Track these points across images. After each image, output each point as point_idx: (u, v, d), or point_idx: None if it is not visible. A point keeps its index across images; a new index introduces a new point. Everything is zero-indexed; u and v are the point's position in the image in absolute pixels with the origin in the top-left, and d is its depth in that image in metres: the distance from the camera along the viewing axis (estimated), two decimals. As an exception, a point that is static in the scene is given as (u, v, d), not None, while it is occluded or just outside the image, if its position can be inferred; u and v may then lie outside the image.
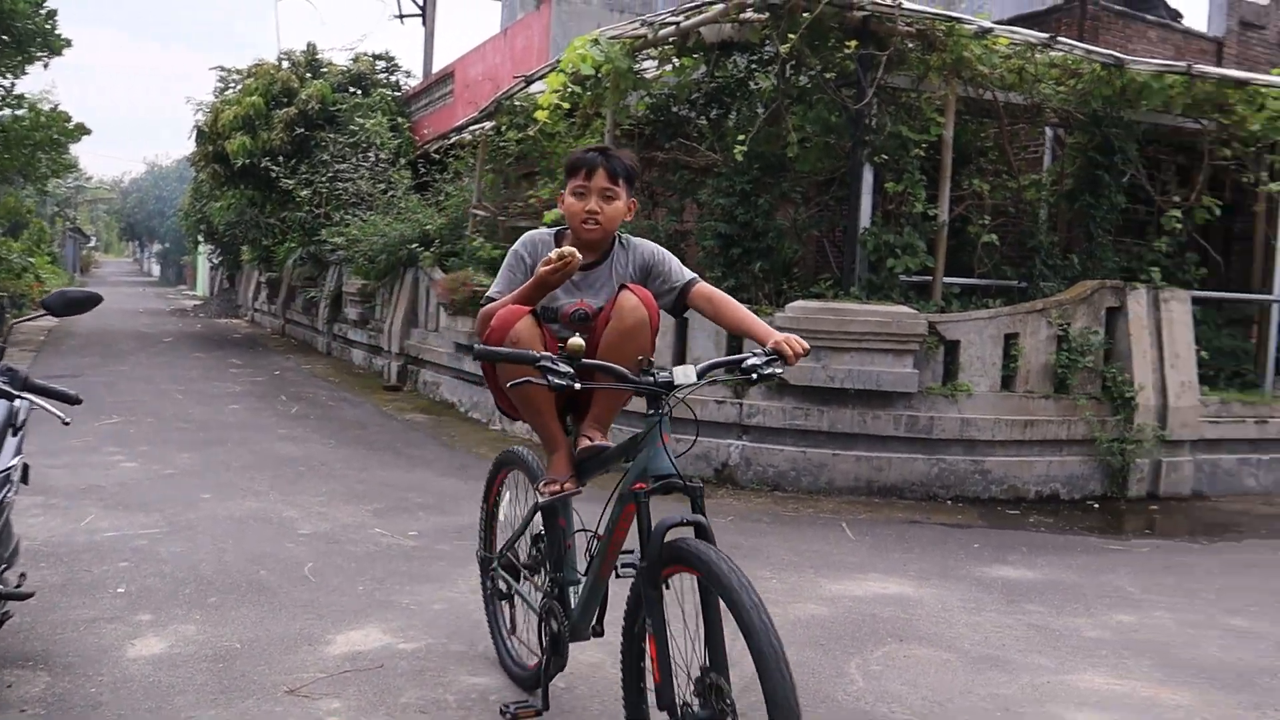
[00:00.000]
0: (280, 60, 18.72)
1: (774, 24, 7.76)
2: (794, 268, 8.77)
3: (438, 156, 15.15)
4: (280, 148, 16.98)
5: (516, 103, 10.91)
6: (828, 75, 8.11)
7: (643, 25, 8.52)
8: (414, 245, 12.76)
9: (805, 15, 7.44)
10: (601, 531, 3.01)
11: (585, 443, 3.17)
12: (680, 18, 8.32)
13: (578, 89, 8.85)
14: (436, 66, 20.12)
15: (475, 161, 12.58)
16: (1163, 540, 6.66)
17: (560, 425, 3.25)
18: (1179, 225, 8.57)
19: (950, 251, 8.22)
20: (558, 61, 8.76)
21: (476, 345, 3.04)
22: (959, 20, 7.64)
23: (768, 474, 7.36)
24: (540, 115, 8.89)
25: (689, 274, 3.24)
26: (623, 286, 3.10)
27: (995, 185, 8.76)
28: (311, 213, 16.59)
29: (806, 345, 2.84)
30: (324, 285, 17.30)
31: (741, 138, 7.70)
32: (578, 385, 2.65)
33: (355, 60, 19.04)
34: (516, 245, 3.26)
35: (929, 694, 3.80)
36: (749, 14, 8.04)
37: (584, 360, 2.73)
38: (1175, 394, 7.84)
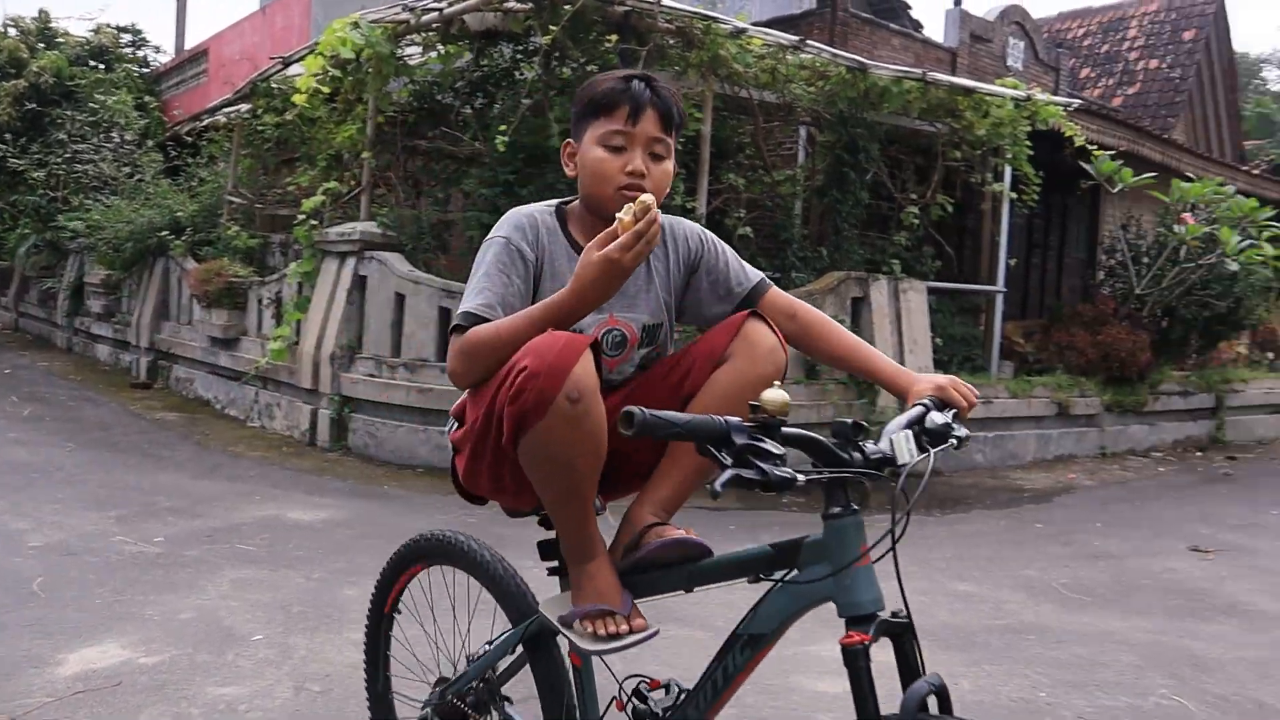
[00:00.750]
0: (5, 27, 17.20)
1: (537, 15, 7.78)
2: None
3: (190, 139, 14.33)
4: (8, 124, 15.63)
5: (274, 85, 10.47)
6: (591, 68, 8.20)
7: (405, 10, 8.34)
8: (164, 233, 12.01)
9: (567, 8, 7.50)
10: (706, 698, 1.96)
11: (665, 535, 2.00)
12: (443, 4, 8.20)
13: (338, 73, 8.60)
14: (190, 43, 19.04)
15: (231, 145, 11.99)
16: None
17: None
18: (916, 221, 9.21)
19: (709, 244, 8.47)
20: (316, 43, 8.47)
21: (628, 415, 1.56)
22: (716, 20, 7.90)
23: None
24: (298, 99, 8.57)
25: (756, 273, 2.22)
26: (751, 313, 2.05)
27: (751, 180, 9.12)
28: (47, 196, 15.35)
29: (975, 391, 1.98)
30: (63, 276, 16.05)
31: (503, 128, 7.68)
32: (800, 481, 1.59)
33: (96, 31, 17.80)
34: (504, 232, 2.04)
35: (683, 672, 3.91)
36: (512, 3, 8.03)
37: (788, 429, 1.65)
38: (913, 378, 8.42)
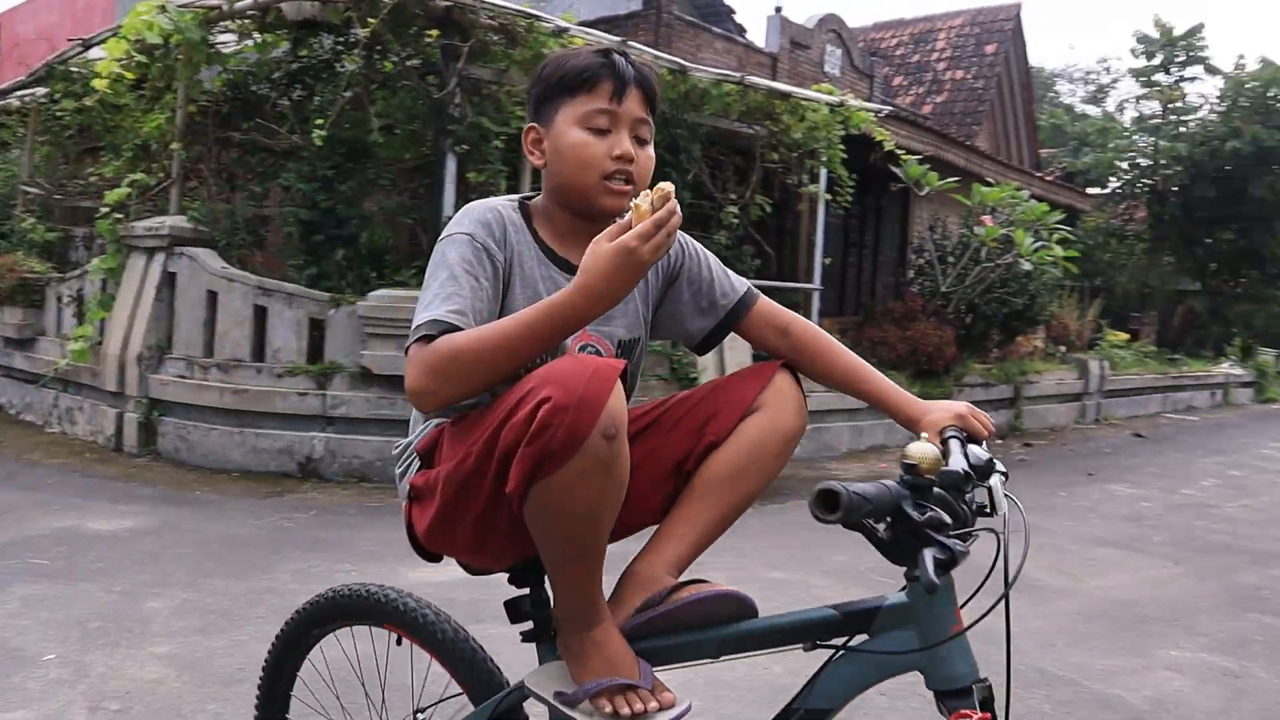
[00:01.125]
0: None
1: (356, 6, 7.62)
2: (387, 256, 8.70)
3: (-22, 124, 13.37)
4: None
5: (73, 69, 9.89)
6: (412, 63, 8.10)
7: (218, -5, 8.04)
8: (-53, 225, 11.20)
9: (387, 0, 7.38)
10: None
11: (710, 589, 1.73)
12: (259, -9, 7.95)
13: (144, 59, 8.20)
14: (-23, 20, 17.75)
15: (25, 132, 11.26)
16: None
17: None
18: (736, 220, 9.47)
19: (534, 241, 8.50)
20: (120, 26, 8.06)
21: (834, 497, 1.43)
22: (539, 18, 7.92)
23: (354, 465, 7.25)
24: (99, 84, 8.13)
25: (743, 282, 2.00)
26: (782, 365, 1.87)
27: (576, 178, 9.19)
28: None
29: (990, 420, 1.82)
30: None
31: (320, 121, 7.50)
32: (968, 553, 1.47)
33: None
34: (467, 228, 1.73)
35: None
36: (331, -7, 7.85)
37: (938, 490, 1.50)
38: (733, 372, 8.65)
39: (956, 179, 10.51)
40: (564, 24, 8.10)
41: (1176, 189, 22.48)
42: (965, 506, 1.52)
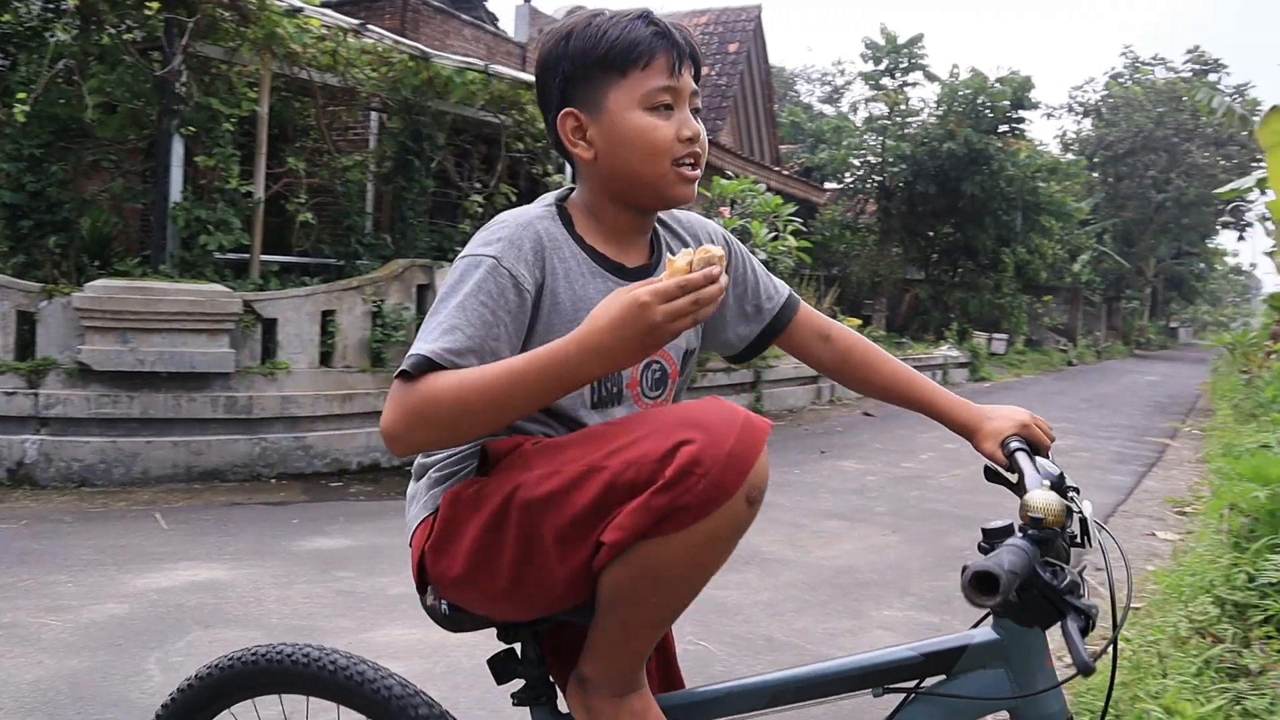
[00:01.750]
0: None
1: (64, -30, 7.08)
2: (113, 244, 8.13)
3: None
4: None
5: None
6: (130, 36, 7.59)
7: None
8: None
9: (97, -35, 6.89)
10: None
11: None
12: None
13: None
14: None
15: None
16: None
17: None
18: (481, 210, 9.44)
19: (271, 229, 8.20)
20: None
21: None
22: (271, -6, 7.61)
23: (73, 469, 6.75)
24: None
25: (784, 286, 1.78)
26: (747, 420, 1.33)
27: (317, 164, 8.91)
28: None
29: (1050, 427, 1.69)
30: None
31: (23, 95, 6.91)
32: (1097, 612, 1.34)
33: None
34: (494, 250, 1.44)
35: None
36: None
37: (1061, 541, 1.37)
38: (481, 363, 8.65)
39: (698, 172, 10.90)
40: (297, 3, 7.81)
41: (902, 185, 24.20)
42: (1065, 543, 1.37)
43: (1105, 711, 1.54)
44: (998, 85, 23.63)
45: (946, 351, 20.18)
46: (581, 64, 1.48)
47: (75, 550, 5.33)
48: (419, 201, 9.16)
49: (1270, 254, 14.74)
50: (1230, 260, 64.57)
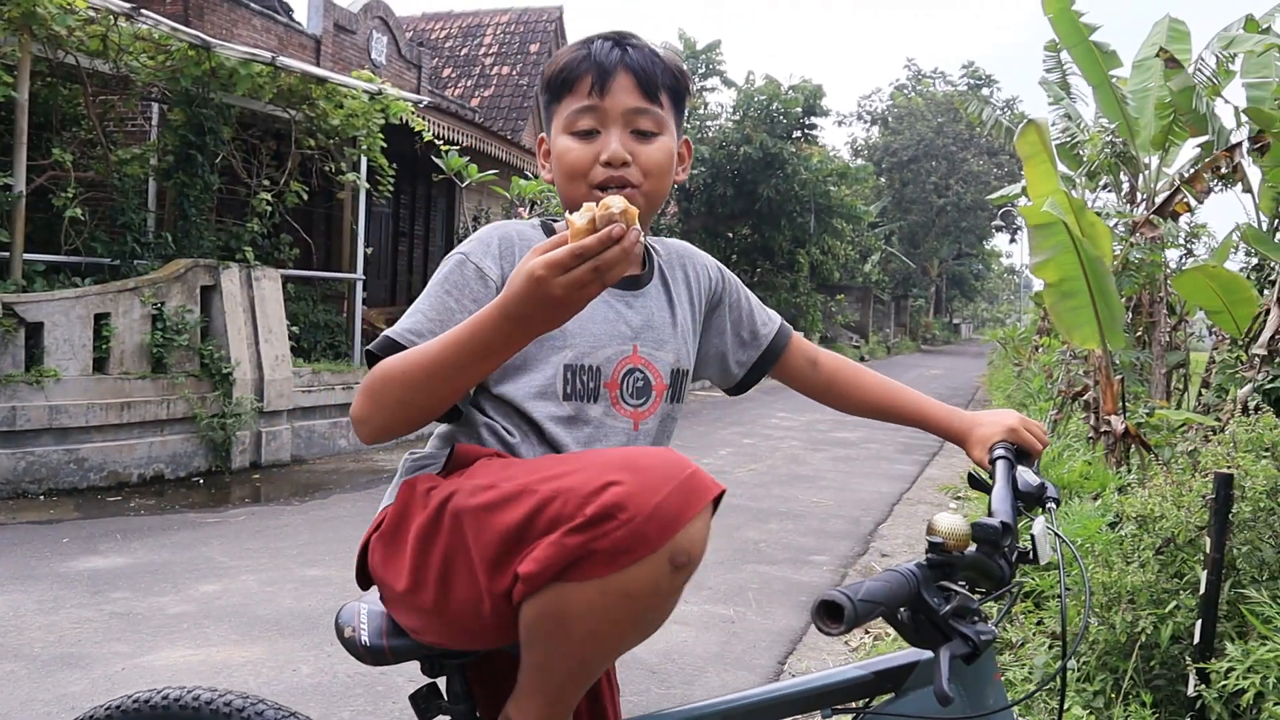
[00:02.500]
0: None
1: None
2: None
3: None
4: None
5: None
6: None
7: None
8: None
9: None
10: None
11: None
12: None
13: None
14: None
15: None
16: (260, 507, 7.03)
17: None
18: (269, 208, 9.07)
19: (35, 226, 7.63)
20: None
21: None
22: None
23: None
24: None
25: (776, 315, 1.76)
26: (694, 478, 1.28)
27: (89, 157, 8.33)
28: None
29: (1044, 429, 1.68)
30: None
31: None
32: (994, 634, 1.32)
33: None
34: (465, 248, 1.49)
35: (-20, 711, 3.50)
36: None
37: (965, 562, 1.34)
38: (271, 367, 8.32)
39: (495, 171, 10.81)
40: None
41: (702, 187, 24.76)
42: (1004, 561, 1.33)
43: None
44: (791, 93, 24.53)
45: (746, 349, 20.75)
46: (541, 91, 1.56)
47: None
48: (203, 198, 8.69)
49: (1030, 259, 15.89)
50: (1005, 261, 69.29)
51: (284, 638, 4.30)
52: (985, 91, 42.58)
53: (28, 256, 7.44)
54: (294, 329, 8.88)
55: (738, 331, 1.69)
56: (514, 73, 20.89)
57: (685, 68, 1.56)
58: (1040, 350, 13.69)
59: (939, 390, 20.11)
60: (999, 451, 1.54)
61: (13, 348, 6.75)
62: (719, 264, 1.70)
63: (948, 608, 1.26)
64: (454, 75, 21.31)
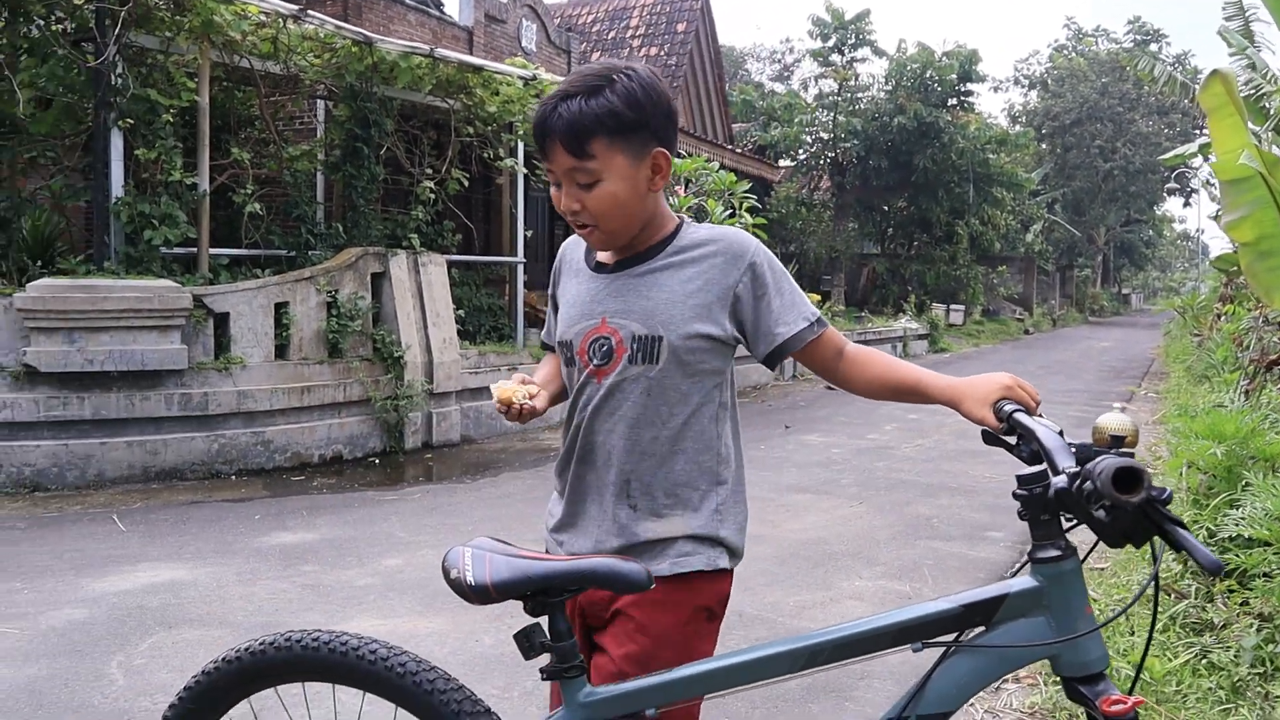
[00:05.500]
0: None
1: (-12, -38, 6.85)
2: (56, 242, 7.92)
3: None
4: None
5: None
6: (59, 27, 7.37)
7: None
8: None
9: (24, -42, 6.68)
10: None
11: None
12: None
13: None
14: None
15: None
16: (433, 485, 7.24)
17: None
18: (432, 195, 9.31)
19: (218, 222, 8.04)
20: None
21: None
22: (207, -18, 7.41)
23: (25, 474, 6.57)
24: None
25: (804, 318, 1.85)
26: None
27: (263, 155, 8.73)
28: None
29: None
30: None
31: (-49, 93, 6.71)
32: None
33: None
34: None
35: (190, 674, 3.70)
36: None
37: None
38: (439, 350, 8.56)
39: (650, 151, 10.82)
40: (236, -11, 7.62)
41: (855, 160, 24.27)
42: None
43: (1146, 653, 1.52)
44: (945, 59, 23.75)
45: (906, 324, 20.30)
46: None
47: (31, 556, 5.19)
48: (369, 189, 9.00)
49: (1215, 217, 14.97)
50: (1177, 226, 65.64)
51: (465, 610, 4.39)
52: (1154, 47, 40.29)
53: (213, 251, 7.86)
54: (459, 312, 9.10)
55: (755, 327, 1.82)
56: (661, 53, 20.87)
57: (637, 91, 1.70)
58: (1223, 319, 12.88)
59: (1113, 362, 19.21)
60: (1010, 406, 1.61)
61: (203, 337, 7.14)
62: (756, 256, 1.83)
63: (1164, 495, 1.29)
64: (602, 58, 21.45)
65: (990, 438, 1.64)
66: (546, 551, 1.85)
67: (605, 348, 1.79)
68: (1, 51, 7.20)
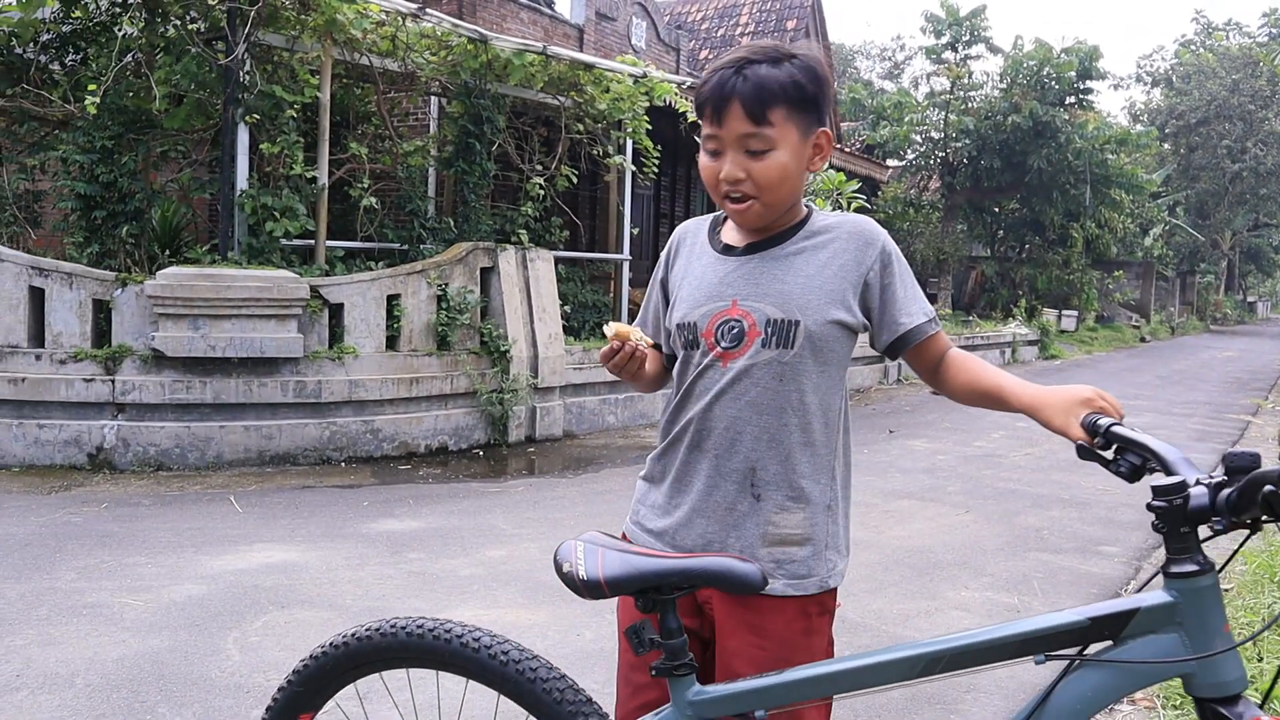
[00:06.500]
0: None
1: (130, -35, 7.16)
2: (183, 232, 8.26)
3: None
4: None
5: None
6: (194, 27, 7.67)
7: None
8: None
9: (162, -40, 6.96)
10: None
11: None
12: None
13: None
14: None
15: None
16: (536, 479, 7.34)
17: None
18: (542, 192, 9.43)
19: (334, 215, 8.26)
20: None
21: None
22: (331, -19, 7.63)
23: (150, 454, 6.87)
24: None
25: (924, 311, 1.85)
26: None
27: (379, 150, 8.95)
28: None
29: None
30: None
31: (93, 88, 7.02)
32: None
33: None
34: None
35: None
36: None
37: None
38: (545, 345, 8.66)
39: (760, 149, 10.76)
40: (358, -12, 7.82)
41: (966, 160, 23.74)
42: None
43: (1276, 678, 1.42)
44: (1063, 56, 23.04)
45: (1015, 329, 19.81)
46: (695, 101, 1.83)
47: (154, 533, 5.42)
48: (480, 185, 9.16)
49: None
50: (1310, 231, 62.55)
51: (566, 604, 4.44)
52: (1290, 42, 38.49)
53: (329, 243, 8.09)
54: (564, 308, 9.20)
55: (884, 313, 1.81)
56: (771, 51, 20.73)
57: (816, 68, 1.73)
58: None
59: (1237, 373, 18.43)
60: (1104, 420, 1.56)
61: (319, 327, 7.35)
62: (885, 244, 1.83)
63: None
64: (711, 56, 21.40)
65: (1085, 453, 1.58)
66: (624, 537, 1.83)
67: (736, 330, 1.76)
68: (140, 50, 7.52)
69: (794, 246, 1.78)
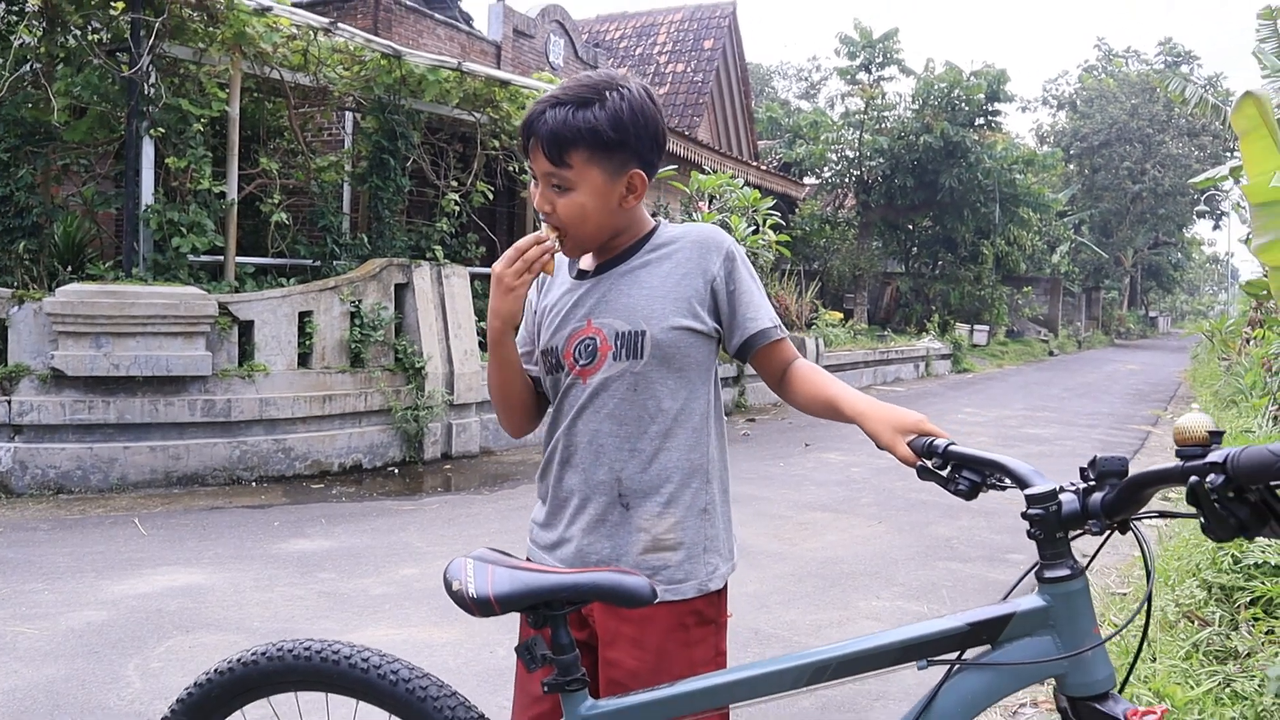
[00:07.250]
0: None
1: (27, -28, 6.97)
2: (87, 248, 8.02)
3: None
4: None
5: None
6: (95, 37, 7.48)
7: None
8: None
9: (61, -33, 6.78)
10: None
11: None
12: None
13: None
14: None
15: None
16: (452, 496, 7.27)
17: None
18: (458, 208, 9.38)
19: (245, 231, 8.11)
20: None
21: None
22: (238, -7, 7.51)
23: (49, 476, 6.65)
24: None
25: (767, 319, 1.89)
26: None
27: (291, 165, 8.81)
28: None
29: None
30: None
31: (-13, 100, 6.82)
32: None
33: None
34: None
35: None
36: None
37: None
38: (460, 361, 8.61)
39: (674, 167, 10.87)
40: (266, 2, 7.70)
41: (880, 179, 24.22)
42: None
43: (1133, 667, 1.51)
44: (973, 79, 23.68)
45: (929, 343, 20.22)
46: None
47: (52, 558, 5.25)
48: (395, 201, 9.08)
49: (1245, 240, 14.82)
50: (1206, 249, 65.12)
51: (479, 622, 4.39)
52: (1185, 69, 40.10)
53: (239, 259, 7.94)
54: (481, 324, 9.14)
55: (731, 318, 1.86)
56: (689, 69, 20.95)
57: (622, 114, 1.72)
58: (1252, 343, 12.77)
59: (1139, 385, 19.04)
60: (940, 441, 1.61)
61: (227, 344, 7.20)
62: (733, 253, 1.88)
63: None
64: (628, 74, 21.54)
65: (924, 473, 1.63)
66: (527, 560, 1.81)
67: (590, 347, 1.81)
68: (39, 60, 7.31)
69: (639, 260, 1.84)
